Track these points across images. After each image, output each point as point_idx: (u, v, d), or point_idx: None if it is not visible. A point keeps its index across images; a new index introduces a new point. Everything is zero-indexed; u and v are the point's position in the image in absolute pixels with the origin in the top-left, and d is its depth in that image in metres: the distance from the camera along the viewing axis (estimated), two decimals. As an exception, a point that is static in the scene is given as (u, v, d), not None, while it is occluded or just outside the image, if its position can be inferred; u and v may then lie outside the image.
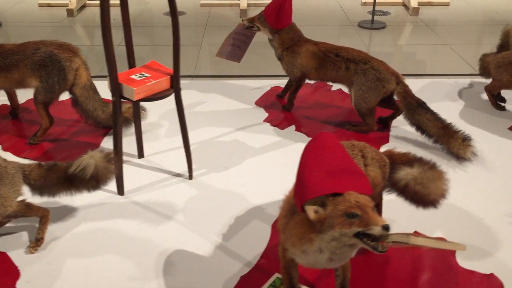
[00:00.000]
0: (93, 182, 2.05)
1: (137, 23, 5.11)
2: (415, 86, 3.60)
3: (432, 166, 1.85)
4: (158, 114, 3.22)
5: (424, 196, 1.80)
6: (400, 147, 2.83)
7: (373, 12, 5.15)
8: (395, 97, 2.94)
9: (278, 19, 3.02)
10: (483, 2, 5.86)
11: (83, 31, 4.97)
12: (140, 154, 2.73)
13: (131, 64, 2.46)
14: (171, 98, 3.40)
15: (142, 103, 3.00)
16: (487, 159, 2.72)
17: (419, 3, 5.75)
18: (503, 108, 3.26)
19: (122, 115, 2.26)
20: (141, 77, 2.28)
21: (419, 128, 2.82)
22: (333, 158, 1.52)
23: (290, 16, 3.06)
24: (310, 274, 1.94)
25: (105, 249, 2.07)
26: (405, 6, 5.77)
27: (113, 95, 2.21)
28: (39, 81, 2.70)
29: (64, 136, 2.95)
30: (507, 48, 3.32)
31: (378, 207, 2.13)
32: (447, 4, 5.94)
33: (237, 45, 3.28)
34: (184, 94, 3.47)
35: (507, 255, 2.04)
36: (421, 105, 2.82)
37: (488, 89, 3.27)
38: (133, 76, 2.28)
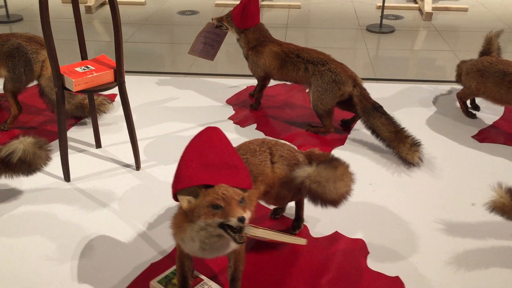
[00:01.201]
0: (25, 166, 2.17)
1: (149, 21, 5.25)
2: (393, 90, 3.58)
3: (335, 166, 1.86)
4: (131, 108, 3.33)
5: (321, 195, 1.82)
6: (354, 150, 2.84)
7: (382, 16, 5.12)
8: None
9: (243, 19, 3.08)
10: (504, 8, 5.69)
11: (99, 27, 5.15)
12: (98, 144, 2.85)
13: (83, 57, 2.58)
14: (148, 92, 3.57)
15: (110, 96, 3.12)
16: (437, 165, 2.69)
17: (436, 9, 5.67)
18: (473, 116, 3.20)
19: (65, 105, 2.36)
20: (85, 69, 2.39)
21: (374, 131, 2.82)
22: (213, 152, 1.58)
23: (256, 16, 3.11)
24: (216, 265, 1.99)
25: (34, 231, 2.18)
26: (421, 11, 5.70)
27: (55, 86, 2.33)
28: (7, 71, 2.86)
29: (34, 123, 3.10)
30: (488, 55, 3.26)
31: (299, 205, 2.16)
32: (465, 10, 5.81)
33: (209, 44, 3.36)
34: (162, 90, 3.60)
35: (420, 260, 2.03)
36: (377, 108, 2.82)
37: (459, 96, 3.22)
38: (77, 69, 2.40)
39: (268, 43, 3.11)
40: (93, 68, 2.41)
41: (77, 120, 3.14)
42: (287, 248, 2.09)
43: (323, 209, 2.22)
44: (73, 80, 2.28)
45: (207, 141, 1.60)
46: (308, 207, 2.19)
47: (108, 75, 2.40)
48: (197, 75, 3.91)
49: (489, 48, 3.27)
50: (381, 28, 5.17)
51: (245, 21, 3.09)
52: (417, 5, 5.86)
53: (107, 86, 2.40)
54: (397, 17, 5.64)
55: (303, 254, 2.06)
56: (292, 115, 3.25)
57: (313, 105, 2.96)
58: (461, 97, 3.20)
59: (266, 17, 5.36)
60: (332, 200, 1.85)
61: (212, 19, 3.27)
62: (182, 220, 1.57)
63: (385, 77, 3.86)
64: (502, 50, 3.33)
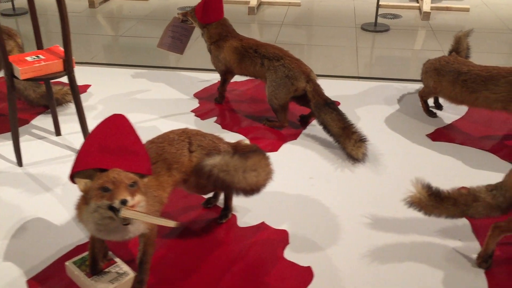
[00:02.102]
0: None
1: (150, 16, 5.35)
2: (364, 87, 3.60)
3: (247, 157, 1.91)
4: (100, 98, 3.44)
5: (230, 183, 1.87)
6: (305, 145, 2.88)
7: (376, 15, 5.11)
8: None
9: (204, 14, 3.15)
10: (508, 9, 5.62)
11: (100, 21, 5.28)
12: (57, 132, 2.95)
13: (39, 47, 2.68)
14: (122, 83, 3.67)
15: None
16: (382, 162, 2.71)
17: (437, 8, 5.64)
18: (434, 115, 3.20)
19: (14, 92, 2.47)
20: (34, 59, 2.49)
21: (325, 127, 2.85)
22: (114, 138, 1.65)
23: (218, 11, 3.17)
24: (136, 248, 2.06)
25: (-25, 210, 2.30)
26: (421, 10, 5.68)
27: (5, 74, 2.43)
28: (-27, 60, 2.98)
29: (4, 111, 3.22)
30: (458, 55, 3.25)
31: (227, 194, 2.22)
32: (466, 10, 5.75)
33: (177, 38, 3.43)
34: (135, 82, 3.69)
35: (337, 252, 2.07)
36: (329, 104, 2.85)
37: (420, 94, 3.22)
38: (27, 58, 2.50)
39: (229, 38, 3.17)
40: (43, 57, 2.51)
41: (46, 108, 3.25)
42: (212, 236, 2.15)
43: (255, 200, 2.30)
44: (19, 68, 2.38)
45: (111, 128, 1.67)
46: (242, 197, 2.27)
47: (56, 65, 2.49)
48: (174, 68, 3.99)
49: (457, 47, 3.26)
50: (375, 27, 5.17)
51: (207, 16, 3.15)
52: (417, 5, 5.82)
53: (55, 75, 2.49)
54: (395, 16, 5.61)
55: (225, 243, 2.12)
56: (254, 110, 3.30)
57: (268, 100, 3.01)
58: (422, 95, 3.21)
59: (263, 14, 5.42)
60: (242, 189, 1.91)
61: (177, 14, 3.35)
62: (82, 202, 1.65)
63: (368, 75, 3.87)
64: (471, 50, 3.32)
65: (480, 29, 4.96)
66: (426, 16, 5.44)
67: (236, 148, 2.12)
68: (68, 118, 3.15)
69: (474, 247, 2.08)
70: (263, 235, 2.16)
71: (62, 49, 2.62)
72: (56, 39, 4.63)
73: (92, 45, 4.51)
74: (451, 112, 3.25)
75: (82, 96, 3.49)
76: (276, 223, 2.24)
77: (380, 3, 5.77)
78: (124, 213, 1.48)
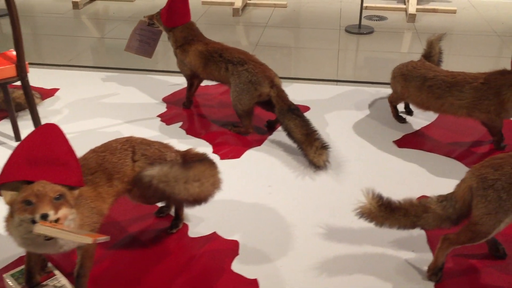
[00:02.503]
0: None
1: (134, 18, 5.30)
2: (336, 92, 3.56)
3: (190, 167, 1.86)
4: (67, 102, 3.39)
5: (170, 194, 1.82)
6: (269, 151, 2.83)
7: (360, 17, 5.06)
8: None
9: (169, 18, 3.10)
10: (496, 11, 5.57)
11: (83, 23, 5.24)
12: (17, 137, 2.90)
13: (-6, 52, 2.63)
14: (91, 87, 3.62)
15: (38, 91, 3.18)
16: (345, 169, 2.66)
17: (423, 10, 5.60)
18: (403, 121, 3.15)
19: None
20: (-14, 64, 2.44)
21: (288, 133, 2.80)
22: (43, 148, 1.60)
23: (183, 15, 3.12)
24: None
25: None
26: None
27: (-44, 79, 2.39)
28: None
29: (-34, 116, 3.18)
30: (429, 59, 3.21)
31: (178, 204, 2.17)
32: (453, 12, 5.71)
33: (145, 41, 3.39)
34: (105, 85, 3.64)
35: (286, 263, 2.02)
36: (292, 110, 2.80)
37: (389, 100, 3.18)
38: (-21, 63, 2.45)
39: (195, 42, 3.12)
40: (-4, 62, 2.46)
41: (6, 114, 3.19)
42: (161, 247, 2.10)
43: (209, 209, 2.25)
44: (-32, 74, 2.33)
45: (41, 138, 1.62)
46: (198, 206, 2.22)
47: (9, 70, 2.45)
48: (147, 71, 3.94)
49: (430, 51, 3.21)
50: (359, 29, 5.13)
51: (172, 19, 3.11)
52: (404, 7, 5.77)
53: (8, 81, 2.44)
54: (381, 18, 5.57)
55: (173, 254, 2.07)
56: (222, 115, 3.25)
57: (233, 105, 2.96)
58: (391, 101, 3.16)
59: (248, 16, 5.37)
60: (184, 200, 1.86)
61: (144, 17, 3.30)
62: (9, 215, 1.60)
63: (347, 78, 3.82)
64: (443, 54, 3.27)
65: (466, 32, 4.91)
66: (411, 18, 5.40)
67: (185, 157, 2.07)
68: (30, 123, 3.09)
69: (427, 259, 2.03)
70: (213, 246, 2.11)
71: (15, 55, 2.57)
72: (37, 42, 4.59)
73: (71, 47, 4.46)
74: (421, 118, 3.20)
75: (49, 100, 3.44)
76: (227, 233, 2.19)
77: (366, 5, 5.75)
78: (38, 228, 1.43)
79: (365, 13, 5.57)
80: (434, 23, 5.18)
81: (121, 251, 2.07)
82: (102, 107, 3.33)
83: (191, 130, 3.05)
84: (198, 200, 1.89)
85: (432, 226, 1.92)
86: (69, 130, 3.03)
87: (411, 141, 2.93)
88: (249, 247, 2.11)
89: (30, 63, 4.11)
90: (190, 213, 2.29)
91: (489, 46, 4.52)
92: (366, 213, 1.95)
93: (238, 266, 2.00)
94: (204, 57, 3.03)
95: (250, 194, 2.46)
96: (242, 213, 2.32)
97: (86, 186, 1.77)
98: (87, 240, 1.42)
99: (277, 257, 2.06)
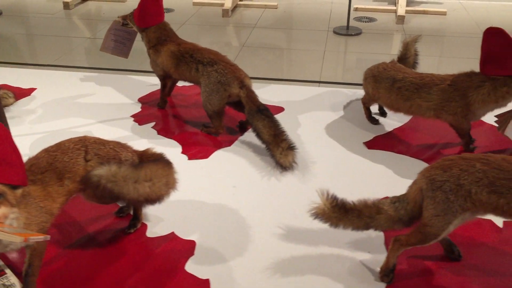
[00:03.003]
0: None
1: None
2: (315, 93, 3.56)
3: (141, 167, 1.86)
4: (42, 102, 3.40)
5: (119, 194, 1.83)
6: (237, 152, 2.83)
7: (348, 18, 5.06)
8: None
9: (141, 18, 3.10)
10: (487, 13, 5.56)
11: (79, 23, 5.25)
12: (-13, 137, 2.90)
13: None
14: (68, 87, 3.62)
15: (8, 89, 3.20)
16: (312, 170, 2.66)
17: (414, 12, 5.59)
18: (376, 122, 3.15)
19: None
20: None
21: (257, 134, 2.80)
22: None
23: (156, 15, 3.12)
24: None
25: None
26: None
27: None
28: None
29: None
30: (405, 61, 3.21)
31: (138, 206, 2.17)
32: (443, 13, 5.70)
33: (120, 41, 3.39)
34: (83, 85, 3.65)
35: (240, 264, 2.02)
36: (261, 111, 2.80)
37: (362, 101, 3.17)
38: None
39: (168, 42, 3.12)
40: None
41: (-17, 112, 3.20)
42: (117, 247, 2.10)
43: (170, 209, 2.25)
44: None
45: (-16, 137, 1.62)
46: (160, 206, 2.23)
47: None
48: (126, 71, 3.95)
49: (405, 53, 3.21)
50: (347, 30, 5.12)
51: (144, 20, 3.11)
52: (394, 8, 5.77)
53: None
54: (370, 20, 5.57)
55: (128, 253, 2.07)
56: (195, 115, 3.25)
57: (203, 106, 2.96)
58: (364, 102, 3.16)
59: (238, 17, 5.38)
60: (134, 200, 1.86)
61: (118, 17, 3.30)
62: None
63: (330, 80, 3.81)
64: (419, 56, 3.27)
65: (454, 34, 4.90)
66: (400, 19, 5.39)
67: (142, 157, 2.08)
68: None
69: (382, 260, 2.02)
70: (170, 246, 2.11)
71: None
72: (33, 41, 4.60)
73: (58, 48, 4.47)
74: (394, 120, 3.20)
75: (24, 100, 3.45)
76: (186, 234, 2.19)
77: (356, 6, 5.75)
78: None
79: (355, 14, 5.57)
80: (423, 25, 5.17)
81: (77, 251, 2.08)
82: (76, 107, 3.34)
83: (162, 131, 3.06)
84: (150, 200, 1.89)
85: (385, 227, 1.92)
86: (40, 130, 3.04)
87: (381, 142, 2.93)
88: (206, 247, 2.11)
89: (12, 63, 4.14)
90: (150, 213, 2.30)
91: (477, 48, 4.51)
92: (320, 214, 1.95)
93: (192, 266, 2.00)
94: (175, 58, 3.03)
95: (213, 195, 2.46)
96: (203, 213, 2.32)
97: (35, 186, 1.77)
98: (18, 239, 1.42)
99: (232, 257, 2.05)
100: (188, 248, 2.10)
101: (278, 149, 2.66)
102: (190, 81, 3.08)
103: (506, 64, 2.52)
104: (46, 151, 1.92)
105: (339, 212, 1.93)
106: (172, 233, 2.19)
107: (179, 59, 3.02)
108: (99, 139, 2.02)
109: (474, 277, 1.95)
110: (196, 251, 2.08)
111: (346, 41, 4.72)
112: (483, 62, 2.59)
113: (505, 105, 2.61)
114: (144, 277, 1.94)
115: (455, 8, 5.81)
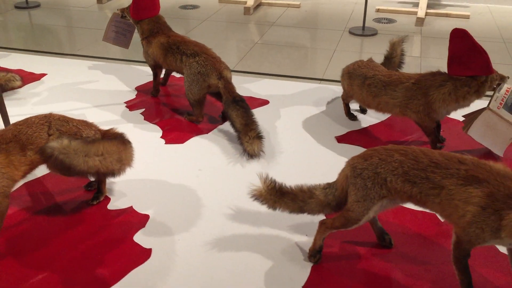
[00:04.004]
0: None
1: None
2: (299, 88, 3.68)
3: (93, 142, 2.07)
4: (48, 86, 3.68)
5: (69, 165, 2.03)
6: (212, 139, 3.01)
7: (364, 19, 5.13)
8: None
9: (135, 11, 3.32)
10: (509, 17, 5.50)
11: (104, 16, 5.58)
12: (-9, 115, 3.20)
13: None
14: (72, 74, 3.90)
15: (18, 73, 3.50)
16: (277, 160, 2.80)
17: (437, 14, 5.60)
18: (353, 118, 3.25)
19: None
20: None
21: (231, 123, 2.96)
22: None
23: (150, 9, 3.33)
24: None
25: None
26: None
27: None
28: None
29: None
30: (391, 60, 3.30)
31: (99, 178, 2.38)
32: (466, 17, 5.68)
33: (121, 33, 3.63)
34: (89, 73, 3.91)
35: (182, 237, 2.19)
36: (237, 101, 2.96)
37: (342, 97, 3.27)
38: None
39: (159, 34, 3.32)
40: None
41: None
42: (78, 216, 2.32)
43: (134, 186, 2.45)
44: None
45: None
46: (127, 183, 2.45)
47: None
48: (131, 62, 4.19)
49: (392, 53, 3.30)
50: (363, 31, 5.20)
51: (138, 13, 3.33)
52: (416, 10, 5.78)
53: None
54: (389, 21, 5.61)
55: (86, 222, 2.28)
56: (184, 104, 3.44)
57: (186, 95, 3.15)
58: (343, 98, 3.26)
59: (259, 15, 5.53)
60: (84, 171, 2.06)
61: (117, 10, 3.54)
62: None
63: (333, 78, 3.91)
64: (405, 56, 3.35)
65: (475, 37, 4.87)
66: (419, 21, 5.40)
67: (104, 135, 2.28)
68: (9, 103, 3.39)
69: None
70: (125, 218, 2.31)
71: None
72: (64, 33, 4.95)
73: (85, 38, 4.78)
74: (373, 117, 3.28)
75: (33, 84, 3.74)
76: (143, 208, 2.38)
77: (378, 7, 5.80)
78: None
79: (376, 15, 5.62)
80: (443, 28, 5.16)
81: (42, 216, 2.31)
82: (77, 92, 3.60)
83: (148, 117, 3.27)
84: (101, 173, 2.09)
85: (316, 211, 2.04)
86: (40, 111, 3.29)
87: (352, 137, 3.03)
88: (158, 221, 2.29)
89: (33, 51, 4.46)
90: (116, 188, 2.51)
91: (493, 53, 4.49)
92: (258, 196, 2.09)
93: (140, 237, 2.19)
94: (164, 49, 3.24)
95: (178, 176, 2.64)
96: (164, 192, 2.50)
97: (-1, 154, 2.00)
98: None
99: (179, 231, 2.23)
100: (141, 221, 2.29)
101: (246, 137, 2.81)
102: (176, 71, 3.28)
103: (469, 65, 2.57)
104: (15, 124, 2.15)
105: (275, 195, 2.06)
106: (131, 207, 2.39)
107: (167, 50, 3.22)
108: (64, 116, 2.24)
109: (398, 264, 2.05)
110: (148, 224, 2.27)
111: (359, 42, 4.79)
112: (449, 63, 2.65)
113: (467, 105, 2.67)
114: (96, 244, 2.15)
115: (481, 12, 5.74)
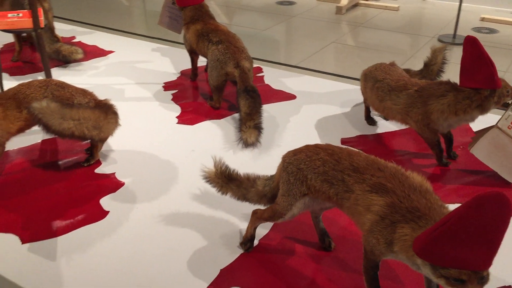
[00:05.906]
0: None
1: (249, 7, 5.87)
2: (338, 88, 3.63)
3: (71, 107, 2.30)
4: (109, 62, 4.07)
5: (46, 124, 2.29)
6: (220, 124, 3.12)
7: (456, 27, 4.86)
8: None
9: (179, -1, 3.55)
10: None
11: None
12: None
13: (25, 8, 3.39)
14: (134, 54, 4.25)
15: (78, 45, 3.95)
16: (270, 152, 2.82)
17: None
18: (372, 123, 3.13)
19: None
20: (13, 16, 3.18)
21: (239, 111, 3.05)
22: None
23: (193, -4, 3.53)
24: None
25: None
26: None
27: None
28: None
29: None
30: (430, 68, 3.17)
31: (92, 143, 2.63)
32: None
33: (174, 18, 3.89)
34: (149, 54, 4.24)
35: (144, 206, 2.34)
36: (248, 91, 3.04)
37: (364, 100, 3.18)
38: (10, 15, 3.21)
39: (198, 21, 3.50)
40: (21, 15, 3.19)
41: (61, 63, 3.99)
42: (65, 174, 2.59)
43: (127, 157, 2.68)
44: (-5, 21, 3.10)
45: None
46: (122, 153, 2.69)
47: (27, 22, 3.15)
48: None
49: (431, 60, 3.16)
50: (454, 39, 4.96)
51: (181, 0, 3.54)
52: None
53: (26, 30, 3.18)
54: (491, 31, 5.26)
55: (69, 180, 2.52)
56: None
57: (208, 80, 3.30)
58: (364, 101, 3.16)
59: (350, 16, 5.49)
60: (58, 132, 2.31)
61: (171, -5, 3.79)
62: None
63: None
64: (446, 64, 3.17)
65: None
66: (522, 34, 4.98)
67: (98, 104, 2.52)
68: (66, 72, 3.83)
69: (261, 233, 2.16)
70: (103, 182, 2.53)
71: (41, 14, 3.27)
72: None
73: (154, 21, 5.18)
74: (395, 124, 3.14)
75: (98, 59, 4.15)
76: (123, 176, 2.58)
77: (483, 16, 5.44)
78: None
79: (479, 24, 5.26)
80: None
81: (37, 169, 2.62)
82: (129, 69, 3.93)
83: (176, 98, 3.47)
84: (75, 136, 2.33)
85: (255, 200, 2.07)
86: (90, 82, 3.68)
87: (359, 141, 2.94)
88: (129, 190, 2.47)
89: (119, 30, 4.92)
90: (112, 156, 2.74)
91: None
92: (207, 178, 2.17)
93: (105, 200, 2.39)
94: (198, 35, 3.41)
95: (170, 153, 2.80)
96: (148, 165, 2.68)
97: (-1, 107, 2.33)
98: None
99: (141, 202, 2.39)
100: (115, 187, 2.49)
101: (244, 126, 2.88)
102: (205, 58, 3.43)
103: (474, 77, 2.37)
104: (20, 85, 2.47)
105: (223, 179, 2.12)
106: (114, 173, 2.60)
107: (199, 37, 3.39)
108: (63, 83, 2.51)
109: (330, 267, 1.99)
110: (119, 191, 2.46)
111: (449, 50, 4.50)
112: (460, 73, 2.47)
113: (469, 120, 2.46)
114: (68, 199, 2.39)
115: None
